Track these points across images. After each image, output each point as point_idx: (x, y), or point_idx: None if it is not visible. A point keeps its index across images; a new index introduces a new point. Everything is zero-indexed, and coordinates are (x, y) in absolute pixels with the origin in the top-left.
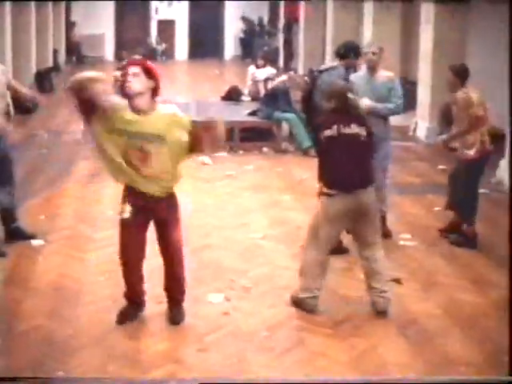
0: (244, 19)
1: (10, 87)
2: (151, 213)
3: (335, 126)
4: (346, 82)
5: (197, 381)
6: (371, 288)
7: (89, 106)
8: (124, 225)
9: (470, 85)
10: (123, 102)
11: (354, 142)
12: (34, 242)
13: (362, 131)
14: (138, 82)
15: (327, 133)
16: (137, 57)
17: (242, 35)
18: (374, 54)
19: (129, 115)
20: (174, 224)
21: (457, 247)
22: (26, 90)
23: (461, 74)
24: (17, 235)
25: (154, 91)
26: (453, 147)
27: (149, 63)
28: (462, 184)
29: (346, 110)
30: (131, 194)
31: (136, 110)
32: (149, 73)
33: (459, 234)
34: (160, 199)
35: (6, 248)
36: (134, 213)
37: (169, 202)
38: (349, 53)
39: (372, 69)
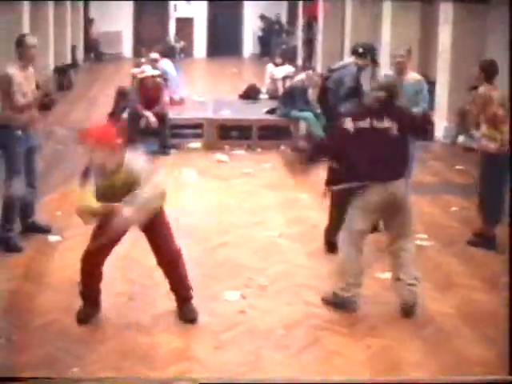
0: (263, 18)
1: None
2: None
3: (368, 119)
4: (357, 80)
5: (197, 381)
6: (398, 280)
7: None
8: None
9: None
10: (87, 188)
11: (385, 136)
12: (51, 238)
13: (394, 126)
14: (99, 157)
15: (359, 124)
16: (154, 54)
17: (260, 33)
18: (402, 56)
19: (99, 183)
20: (162, 223)
21: (473, 247)
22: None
23: (486, 70)
24: (33, 229)
25: (117, 150)
26: (471, 147)
27: (103, 134)
28: (485, 181)
29: (390, 104)
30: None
31: (105, 175)
32: (105, 144)
33: (478, 234)
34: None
35: (22, 243)
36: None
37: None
38: (366, 53)
39: (400, 71)
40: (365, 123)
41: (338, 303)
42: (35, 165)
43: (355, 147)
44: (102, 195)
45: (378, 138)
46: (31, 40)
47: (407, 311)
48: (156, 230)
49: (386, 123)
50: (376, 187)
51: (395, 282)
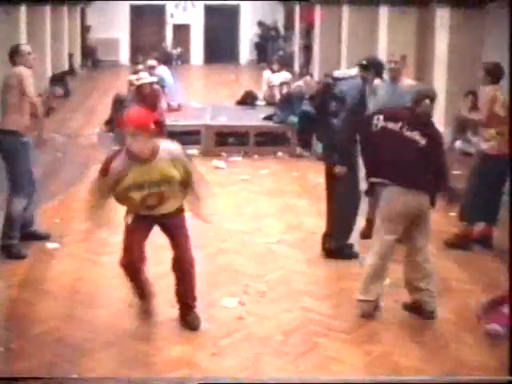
0: (261, 24)
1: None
2: (156, 220)
3: (400, 123)
4: (363, 93)
5: (197, 380)
6: (421, 290)
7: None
8: (128, 230)
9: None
10: (123, 165)
11: (410, 144)
12: (50, 245)
13: (422, 139)
14: (139, 142)
15: (388, 125)
16: (151, 61)
17: (257, 40)
18: (395, 62)
19: (134, 171)
20: (182, 229)
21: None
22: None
23: (492, 72)
24: (32, 237)
25: (155, 135)
26: (468, 152)
27: (142, 118)
28: (479, 182)
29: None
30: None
31: (139, 160)
32: (144, 128)
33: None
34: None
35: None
36: (138, 218)
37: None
38: (369, 66)
39: (394, 78)
40: (395, 126)
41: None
42: (31, 175)
43: (375, 145)
44: (135, 185)
45: (403, 145)
46: (26, 48)
47: (430, 317)
48: (178, 230)
49: (416, 135)
50: (393, 193)
51: (417, 291)
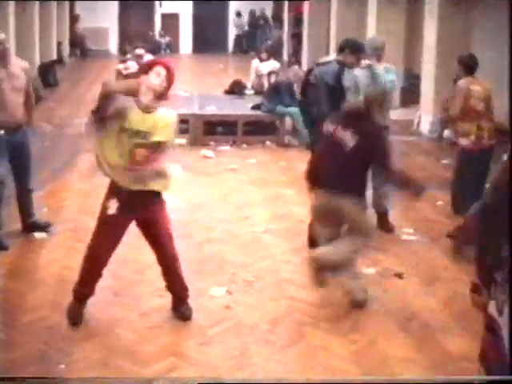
0: (238, 14)
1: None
2: (137, 212)
3: (335, 125)
4: (338, 78)
5: (195, 380)
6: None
7: (107, 110)
8: (106, 221)
9: (480, 77)
10: (131, 102)
11: (340, 147)
12: (38, 235)
13: (351, 140)
14: (161, 82)
15: (329, 128)
16: (139, 50)
17: (238, 32)
18: (375, 49)
19: (137, 114)
20: (163, 222)
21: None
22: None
23: (465, 63)
24: (34, 228)
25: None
26: (456, 141)
27: (171, 65)
28: (465, 176)
29: (364, 117)
30: (118, 192)
31: (143, 108)
32: (169, 76)
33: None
34: (147, 198)
35: (9, 240)
36: (120, 210)
37: (155, 200)
38: (345, 48)
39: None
40: (331, 128)
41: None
42: (28, 164)
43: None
44: (130, 130)
45: (334, 147)
46: None
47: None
48: (158, 226)
49: (347, 135)
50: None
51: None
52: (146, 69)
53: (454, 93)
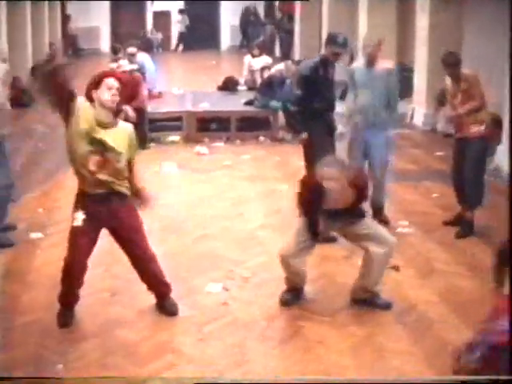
0: (181, 11)
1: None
2: (104, 222)
3: None
4: (314, 70)
5: (193, 380)
6: None
7: (64, 94)
8: (75, 232)
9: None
10: (87, 103)
11: None
12: (33, 235)
13: None
14: (112, 97)
15: None
16: (131, 49)
17: (181, 30)
18: (368, 47)
19: (94, 121)
20: (133, 226)
21: (451, 228)
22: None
23: (447, 63)
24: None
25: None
26: (449, 133)
27: (120, 76)
28: (473, 166)
29: None
30: (84, 201)
31: (102, 121)
32: (123, 88)
33: (463, 224)
34: (114, 201)
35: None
36: (87, 220)
37: (122, 203)
38: (328, 43)
39: (370, 62)
40: None
41: None
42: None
43: None
44: (91, 137)
45: None
46: None
47: None
48: (127, 232)
49: None
50: None
51: None
52: (96, 82)
53: (466, 85)
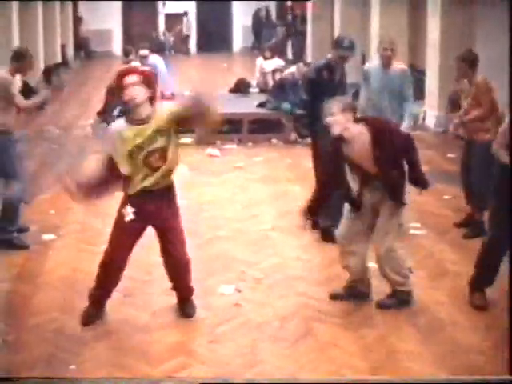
0: (184, 14)
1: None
2: (152, 218)
3: None
4: (318, 73)
5: (197, 380)
6: None
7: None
8: (122, 228)
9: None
10: (120, 125)
11: None
12: (46, 237)
13: None
14: (137, 92)
15: None
16: (143, 51)
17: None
18: (386, 49)
19: (131, 132)
20: (177, 228)
21: (463, 232)
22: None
23: (469, 60)
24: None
25: (152, 99)
26: (460, 135)
27: (147, 71)
28: (480, 169)
29: None
30: (133, 199)
31: (136, 121)
32: (148, 81)
33: (472, 225)
34: (162, 197)
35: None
36: (136, 217)
37: (169, 204)
38: (334, 46)
39: (385, 64)
40: None
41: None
42: (16, 172)
43: None
44: (135, 147)
45: None
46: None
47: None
48: (172, 233)
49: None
50: None
51: None
52: (119, 81)
53: (473, 91)
